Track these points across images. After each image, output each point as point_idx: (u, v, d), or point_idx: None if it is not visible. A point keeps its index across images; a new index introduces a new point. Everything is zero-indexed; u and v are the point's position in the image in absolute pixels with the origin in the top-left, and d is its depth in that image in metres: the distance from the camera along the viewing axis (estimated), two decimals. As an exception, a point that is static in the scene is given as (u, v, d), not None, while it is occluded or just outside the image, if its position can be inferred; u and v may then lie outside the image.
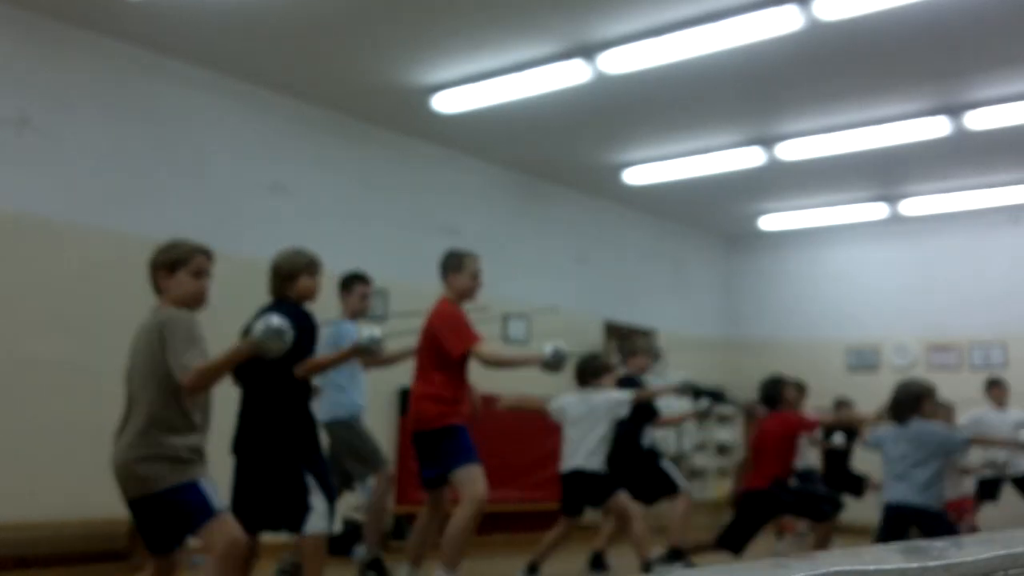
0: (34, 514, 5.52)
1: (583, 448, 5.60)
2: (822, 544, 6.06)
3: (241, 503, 3.96)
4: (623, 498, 5.50)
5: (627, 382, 6.18)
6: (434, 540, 4.84)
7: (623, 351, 6.44)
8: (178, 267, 3.32)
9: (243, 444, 4.03)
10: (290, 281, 4.10)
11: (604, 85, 6.60)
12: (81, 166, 6.00)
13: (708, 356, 10.69)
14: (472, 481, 4.47)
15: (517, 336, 8.69)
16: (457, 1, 5.65)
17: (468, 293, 4.83)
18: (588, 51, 6.15)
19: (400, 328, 6.83)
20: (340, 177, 7.53)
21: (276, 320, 3.30)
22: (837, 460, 8.14)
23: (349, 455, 5.41)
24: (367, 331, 4.24)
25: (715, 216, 10.75)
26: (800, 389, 7.41)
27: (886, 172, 8.91)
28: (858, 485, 8.15)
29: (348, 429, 5.41)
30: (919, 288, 10.17)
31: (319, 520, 3.90)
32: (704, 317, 11.32)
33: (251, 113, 6.97)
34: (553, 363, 4.61)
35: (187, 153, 6.57)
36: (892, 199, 9.70)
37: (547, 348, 4.62)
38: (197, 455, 3.22)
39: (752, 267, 11.59)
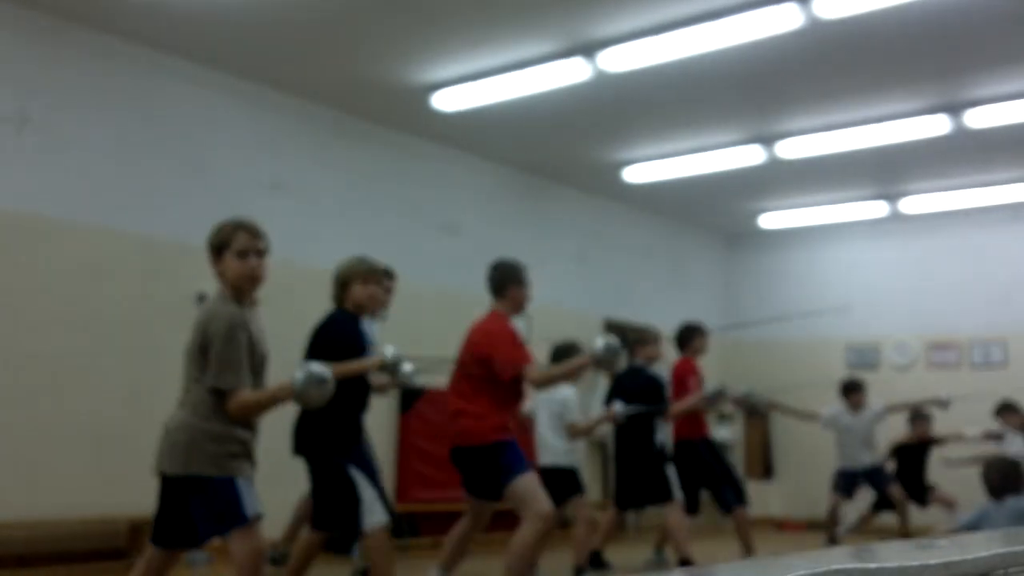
0: (33, 512, 5.52)
1: (539, 444, 5.74)
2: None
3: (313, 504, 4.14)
4: (581, 502, 5.63)
5: (636, 372, 6.13)
6: (466, 548, 4.76)
7: (632, 340, 6.33)
8: (223, 249, 3.22)
9: (297, 445, 4.14)
10: (343, 290, 4.22)
11: (604, 83, 6.60)
12: (81, 164, 6.00)
13: (708, 354, 10.68)
14: (532, 496, 4.30)
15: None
16: (457, -1, 5.65)
17: (522, 307, 4.77)
18: (588, 49, 6.15)
19: (400, 329, 6.83)
20: (340, 175, 7.53)
21: (317, 368, 3.19)
22: (912, 464, 8.13)
23: None
24: (391, 349, 4.23)
25: (715, 214, 10.75)
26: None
27: (886, 170, 8.91)
28: (923, 494, 8.13)
29: None
30: (919, 286, 10.17)
31: (373, 513, 3.91)
32: (704, 315, 11.26)
33: (251, 111, 6.97)
34: (605, 358, 4.48)
35: (187, 151, 6.57)
36: (892, 197, 9.70)
37: (598, 342, 4.49)
38: (242, 449, 3.05)
39: (752, 265, 11.59)
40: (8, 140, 5.68)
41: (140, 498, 6.00)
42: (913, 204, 9.73)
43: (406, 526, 7.42)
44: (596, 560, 6.09)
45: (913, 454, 8.20)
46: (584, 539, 5.64)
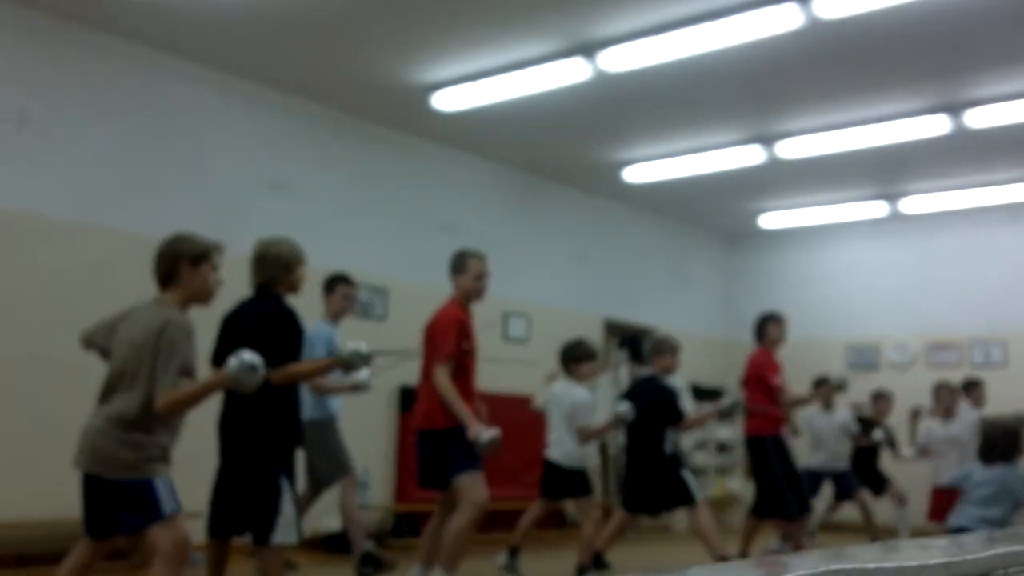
0: (33, 512, 5.52)
1: (552, 439, 5.80)
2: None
3: (217, 505, 3.96)
4: (589, 503, 5.72)
5: (651, 381, 6.10)
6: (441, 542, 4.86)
7: (650, 349, 6.29)
8: (202, 261, 3.34)
9: (224, 443, 4.01)
10: (289, 272, 4.03)
11: (604, 83, 6.60)
12: (81, 164, 6.00)
13: (708, 354, 10.69)
14: (472, 487, 4.45)
15: (517, 334, 8.69)
16: (457, -1, 5.65)
17: (472, 294, 4.81)
18: (588, 49, 6.15)
19: (400, 328, 6.85)
20: (340, 175, 7.53)
21: (248, 356, 3.25)
22: (866, 455, 8.22)
23: (321, 456, 5.40)
24: (352, 344, 4.04)
25: (715, 214, 10.75)
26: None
27: (886, 170, 8.91)
28: (878, 483, 8.22)
29: (324, 430, 5.41)
30: (919, 286, 10.17)
31: (286, 529, 3.78)
32: (704, 315, 11.32)
33: (251, 111, 6.97)
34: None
35: (187, 151, 6.57)
36: (892, 197, 9.69)
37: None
38: (161, 453, 3.22)
39: (752, 265, 11.59)
40: (8, 140, 5.68)
41: (140, 498, 6.01)
42: (913, 204, 9.73)
43: (406, 525, 7.42)
44: (597, 560, 6.10)
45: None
46: (591, 539, 5.66)
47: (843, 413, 8.07)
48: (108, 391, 3.26)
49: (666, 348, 6.13)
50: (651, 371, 6.19)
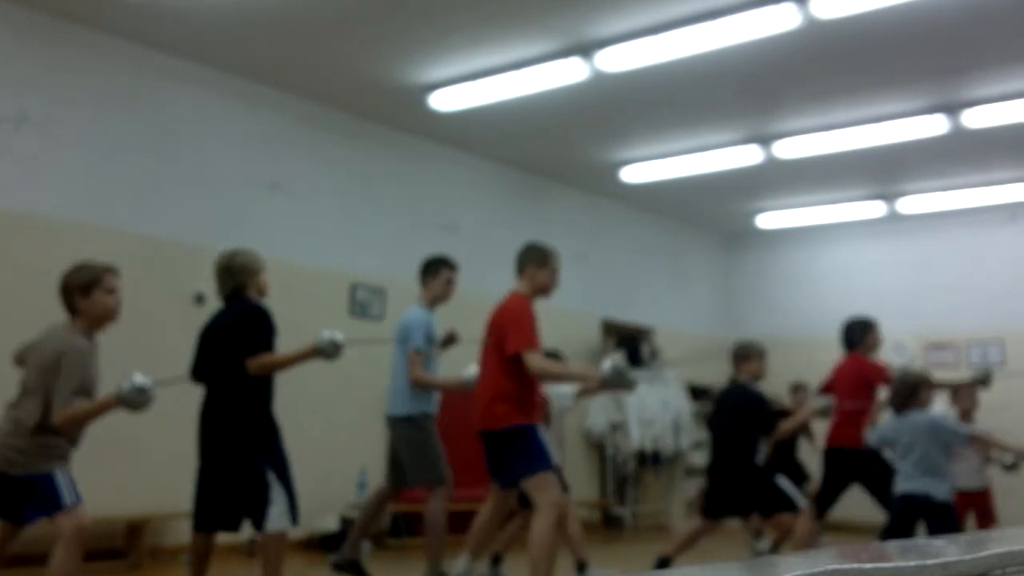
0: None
1: None
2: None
3: (202, 502, 4.07)
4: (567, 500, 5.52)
5: (739, 389, 5.76)
6: (493, 535, 4.78)
7: (734, 355, 5.81)
8: (93, 287, 3.59)
9: (204, 441, 4.10)
10: (254, 277, 4.25)
11: (602, 83, 6.61)
12: (80, 163, 6.00)
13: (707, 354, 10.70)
14: (545, 488, 4.28)
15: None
16: (456, -1, 5.66)
17: (546, 290, 4.62)
18: (586, 49, 6.16)
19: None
20: (338, 175, 7.53)
21: (140, 379, 3.51)
22: (785, 446, 8.14)
23: (409, 455, 5.13)
24: (328, 333, 4.13)
25: (713, 214, 10.76)
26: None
27: (884, 170, 8.93)
28: (799, 476, 8.13)
29: (416, 427, 5.16)
30: (917, 286, 10.18)
31: (280, 517, 3.90)
32: (702, 315, 11.33)
33: (250, 110, 6.97)
34: (613, 381, 4.31)
35: (186, 151, 6.57)
36: (890, 197, 9.71)
37: (605, 364, 4.33)
38: (60, 452, 3.54)
39: (750, 265, 11.60)
40: (7, 139, 5.68)
41: (139, 498, 6.01)
42: (911, 204, 9.75)
43: (403, 527, 7.42)
44: (496, 559, 5.85)
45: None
46: (578, 536, 5.52)
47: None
48: (19, 399, 3.58)
49: (753, 353, 5.76)
50: (739, 378, 5.78)
